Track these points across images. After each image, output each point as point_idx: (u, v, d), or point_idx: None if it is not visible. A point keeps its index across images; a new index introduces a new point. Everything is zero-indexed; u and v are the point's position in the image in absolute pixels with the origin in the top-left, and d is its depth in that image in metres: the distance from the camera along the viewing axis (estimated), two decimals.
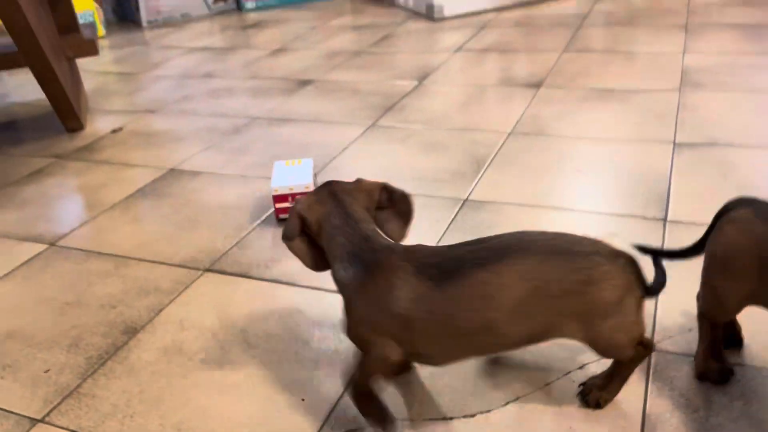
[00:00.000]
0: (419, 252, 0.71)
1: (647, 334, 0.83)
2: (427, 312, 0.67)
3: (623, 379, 0.74)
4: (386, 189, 0.79)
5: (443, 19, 2.60)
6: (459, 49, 2.19)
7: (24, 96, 2.17)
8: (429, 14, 2.62)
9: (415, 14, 2.73)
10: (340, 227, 0.73)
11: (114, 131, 1.75)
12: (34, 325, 0.99)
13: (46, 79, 1.53)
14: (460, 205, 1.20)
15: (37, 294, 1.07)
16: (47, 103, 2.05)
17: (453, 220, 1.16)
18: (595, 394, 0.75)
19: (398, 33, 2.46)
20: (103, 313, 1.00)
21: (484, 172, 1.32)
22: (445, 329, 0.68)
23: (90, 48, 1.79)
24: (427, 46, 2.26)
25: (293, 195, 1.18)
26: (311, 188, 1.17)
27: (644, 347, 0.72)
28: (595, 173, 1.27)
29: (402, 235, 0.79)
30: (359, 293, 0.70)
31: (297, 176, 1.21)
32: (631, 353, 0.71)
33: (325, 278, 1.03)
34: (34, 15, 1.44)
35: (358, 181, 0.79)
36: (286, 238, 0.77)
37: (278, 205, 1.19)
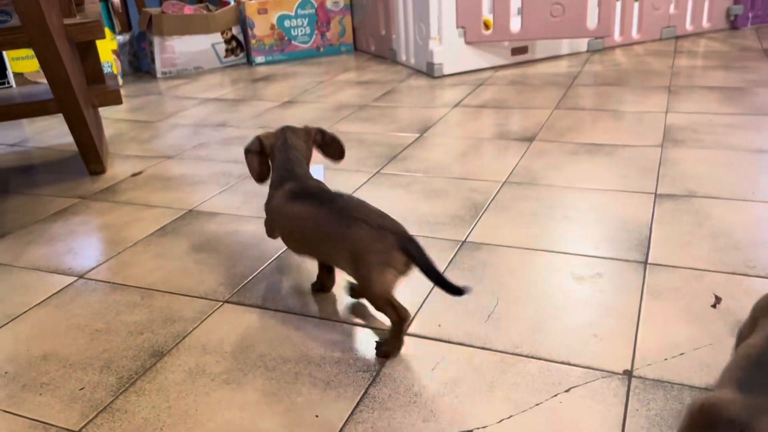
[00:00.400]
0: (299, 183, 1.12)
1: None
2: (278, 215, 1.14)
3: (397, 338, 0.99)
4: (320, 131, 1.25)
5: (443, 76, 2.76)
6: (457, 104, 2.34)
7: (43, 141, 2.30)
8: (429, 72, 2.78)
9: (417, 71, 2.90)
10: (281, 150, 1.18)
11: (134, 175, 1.86)
12: (67, 349, 1.08)
13: (76, 125, 1.66)
14: (458, 246, 1.31)
15: (68, 321, 1.16)
16: (66, 147, 2.17)
17: (452, 260, 1.26)
18: (383, 349, 1.00)
19: (401, 89, 2.62)
20: (131, 339, 1.09)
21: (481, 216, 1.43)
22: (283, 228, 1.14)
23: (114, 97, 1.93)
24: (428, 101, 2.41)
25: None
26: None
27: (396, 313, 0.97)
28: (582, 219, 1.39)
29: (336, 161, 1.29)
30: (270, 194, 1.17)
31: None
32: (383, 310, 0.98)
33: (335, 310, 1.12)
34: (71, 68, 1.58)
35: (304, 126, 1.25)
36: (246, 151, 1.21)
37: None
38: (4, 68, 2.91)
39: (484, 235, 1.35)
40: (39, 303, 1.23)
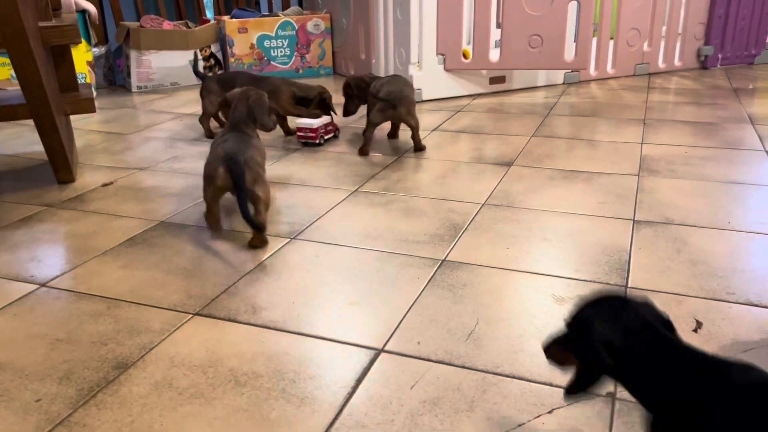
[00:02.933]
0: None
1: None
2: None
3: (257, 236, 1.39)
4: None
5: (422, 101, 2.77)
6: (436, 128, 2.34)
7: (10, 149, 2.22)
8: None
9: None
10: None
11: (105, 185, 1.81)
12: (25, 359, 1.01)
13: (47, 130, 1.60)
14: (438, 264, 1.29)
15: (27, 330, 1.10)
16: (34, 155, 2.11)
17: (431, 278, 1.24)
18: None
19: None
20: (94, 350, 1.03)
21: (460, 236, 1.41)
22: None
23: (87, 105, 1.88)
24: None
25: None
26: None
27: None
28: (561, 243, 1.38)
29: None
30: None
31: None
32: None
33: (311, 325, 1.09)
34: (45, 72, 1.53)
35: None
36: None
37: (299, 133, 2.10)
38: None
39: (464, 254, 1.33)
40: None
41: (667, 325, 0.71)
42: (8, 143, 2.30)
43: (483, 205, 1.59)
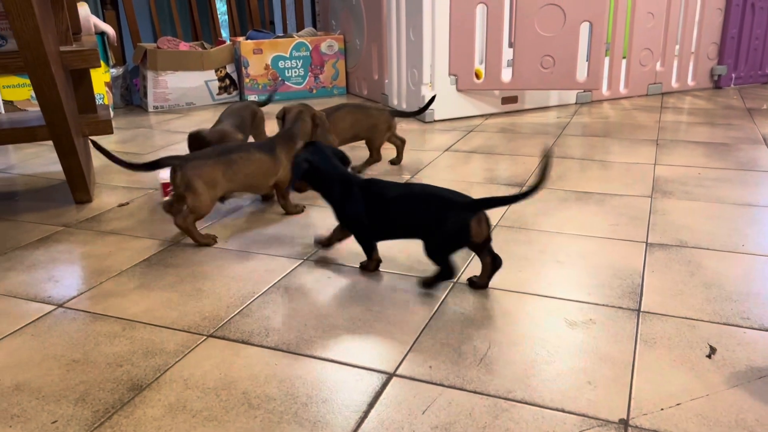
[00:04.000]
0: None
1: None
2: None
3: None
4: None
5: (434, 121, 2.79)
6: (448, 149, 2.36)
7: (29, 169, 2.26)
8: (420, 117, 2.81)
9: None
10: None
11: (121, 205, 1.83)
12: (41, 379, 1.03)
13: (65, 152, 1.63)
14: (450, 287, 1.29)
15: (44, 351, 1.11)
16: (52, 176, 2.14)
17: (443, 301, 1.24)
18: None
19: None
20: (109, 371, 1.05)
21: (472, 259, 1.41)
22: None
23: (105, 127, 1.91)
24: (419, 145, 2.42)
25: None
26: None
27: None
28: (574, 265, 1.38)
29: None
30: None
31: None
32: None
33: (324, 347, 1.09)
34: (65, 95, 1.57)
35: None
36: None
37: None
38: None
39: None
40: (14, 331, 1.18)
41: (343, 159, 1.39)
42: (27, 163, 2.34)
43: (495, 226, 1.60)
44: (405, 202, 1.28)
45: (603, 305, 1.21)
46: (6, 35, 1.59)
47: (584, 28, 2.75)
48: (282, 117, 1.81)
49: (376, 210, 1.31)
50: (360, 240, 1.37)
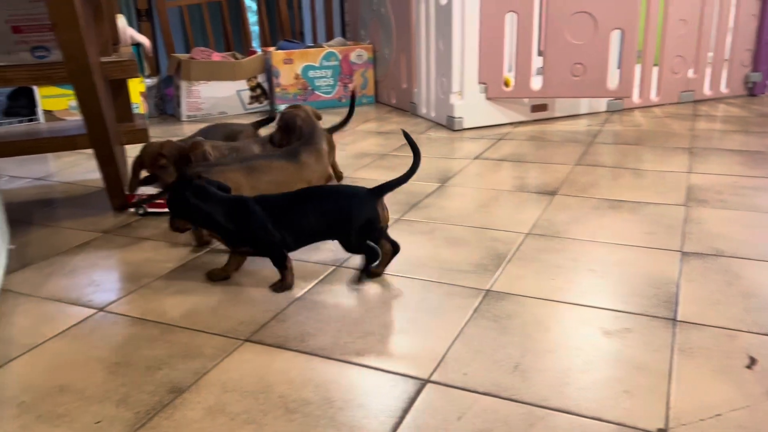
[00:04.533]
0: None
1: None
2: None
3: None
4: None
5: (462, 129, 2.80)
6: (477, 157, 2.36)
7: (67, 177, 2.33)
8: (449, 125, 2.82)
9: (437, 124, 2.94)
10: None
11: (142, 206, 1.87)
12: (84, 381, 1.06)
13: (105, 160, 1.68)
14: (483, 295, 1.29)
15: (87, 353, 1.14)
16: (90, 183, 2.20)
17: (477, 308, 1.24)
18: None
19: (420, 140, 2.65)
20: (150, 374, 1.07)
21: (505, 266, 1.41)
22: None
23: (142, 135, 1.96)
24: (448, 153, 2.43)
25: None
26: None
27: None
28: (607, 274, 1.37)
29: None
30: None
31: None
32: None
33: (358, 353, 1.10)
34: (105, 105, 1.61)
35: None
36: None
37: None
38: (35, 105, 2.98)
39: (509, 285, 1.33)
40: (58, 334, 1.21)
41: (220, 186, 1.37)
42: (67, 171, 2.40)
43: (527, 234, 1.59)
44: (311, 204, 1.33)
45: (638, 314, 1.20)
46: (50, 46, 1.64)
47: (615, 35, 2.73)
48: (284, 124, 1.84)
49: (282, 220, 1.32)
50: (273, 254, 1.34)
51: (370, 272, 1.38)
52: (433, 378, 1.03)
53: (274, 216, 1.32)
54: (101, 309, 1.30)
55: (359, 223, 1.31)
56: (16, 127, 2.09)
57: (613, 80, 2.81)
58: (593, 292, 1.30)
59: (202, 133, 1.98)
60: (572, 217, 1.71)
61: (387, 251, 1.37)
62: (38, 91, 2.92)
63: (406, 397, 0.98)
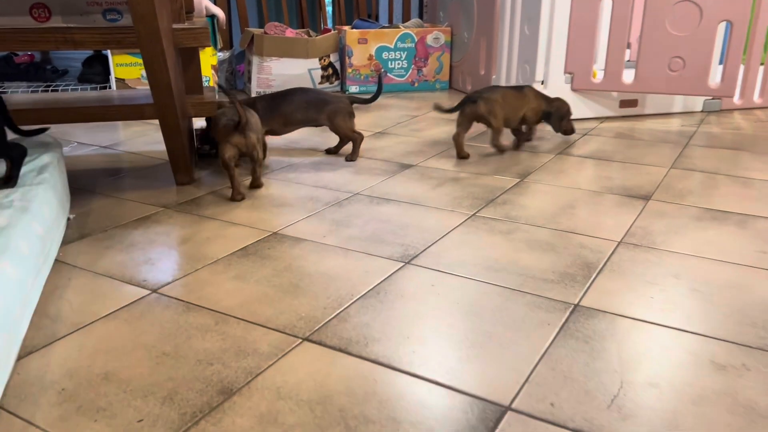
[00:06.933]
0: None
1: None
2: None
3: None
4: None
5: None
6: (560, 152, 2.18)
7: (134, 146, 2.29)
8: None
9: None
10: None
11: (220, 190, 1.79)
12: (130, 371, 0.98)
13: (170, 132, 1.61)
14: (570, 310, 1.14)
15: (136, 339, 1.06)
16: (156, 155, 2.15)
17: (564, 325, 1.09)
18: None
19: None
20: (200, 369, 0.98)
21: (595, 278, 1.26)
22: None
23: (211, 109, 1.88)
24: (528, 146, 2.26)
25: None
26: None
27: None
28: (715, 296, 1.19)
29: None
30: None
31: None
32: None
33: (427, 366, 0.98)
34: (174, 74, 1.53)
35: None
36: None
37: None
38: (108, 73, 2.97)
39: (600, 301, 1.18)
40: (108, 314, 1.14)
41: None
42: (134, 141, 2.37)
43: (619, 243, 1.43)
44: None
45: (758, 349, 1.03)
46: (122, 9, 1.58)
47: (721, 28, 2.48)
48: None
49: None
50: None
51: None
52: (514, 405, 0.89)
53: None
54: (155, 290, 1.23)
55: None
56: (87, 93, 2.05)
57: (714, 78, 2.56)
58: (700, 316, 1.13)
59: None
60: (670, 226, 1.52)
61: None
62: (112, 59, 2.91)
63: (483, 427, 0.85)
